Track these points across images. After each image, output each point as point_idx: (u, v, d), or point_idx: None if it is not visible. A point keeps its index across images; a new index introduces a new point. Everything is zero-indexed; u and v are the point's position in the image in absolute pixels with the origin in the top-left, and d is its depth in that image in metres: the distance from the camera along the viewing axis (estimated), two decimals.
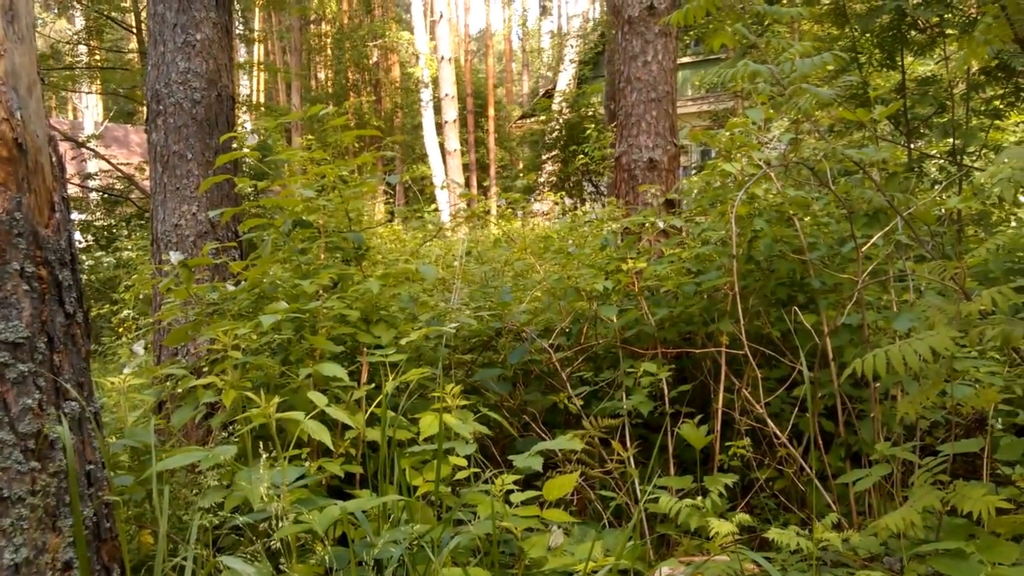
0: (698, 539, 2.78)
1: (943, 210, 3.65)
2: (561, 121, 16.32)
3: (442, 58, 21.57)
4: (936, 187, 6.42)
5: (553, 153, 16.15)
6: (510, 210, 8.53)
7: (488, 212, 8.74)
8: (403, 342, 2.57)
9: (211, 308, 2.96)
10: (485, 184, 29.61)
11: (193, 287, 2.92)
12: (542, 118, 18.20)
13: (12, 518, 1.75)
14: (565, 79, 19.60)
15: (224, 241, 4.44)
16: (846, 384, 3.33)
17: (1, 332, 1.77)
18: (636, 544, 2.39)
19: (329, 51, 34.82)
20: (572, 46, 20.17)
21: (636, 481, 2.92)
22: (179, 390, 2.77)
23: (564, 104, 17.04)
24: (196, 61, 4.53)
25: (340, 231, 3.27)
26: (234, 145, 3.19)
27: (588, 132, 12.95)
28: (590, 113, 15.85)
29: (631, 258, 3.74)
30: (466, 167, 27.38)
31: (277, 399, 2.00)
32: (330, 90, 34.97)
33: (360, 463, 2.44)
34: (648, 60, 5.84)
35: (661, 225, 3.91)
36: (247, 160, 3.46)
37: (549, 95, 20.48)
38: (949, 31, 6.84)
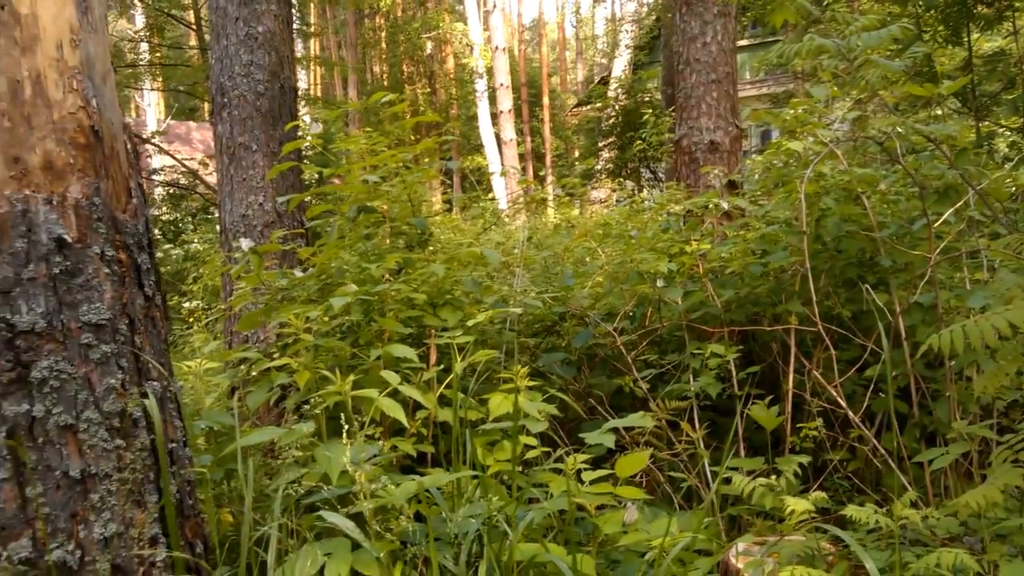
0: (770, 520, 2.75)
1: (1015, 187, 3.55)
2: (617, 107, 16.21)
3: (496, 48, 21.57)
4: (1007, 164, 6.25)
5: (610, 140, 16.06)
6: (568, 197, 8.51)
7: (545, 200, 8.73)
8: (470, 323, 2.58)
9: (281, 294, 3.01)
10: (541, 173, 29.55)
11: (263, 273, 2.97)
12: (598, 105, 18.10)
13: (100, 494, 1.80)
14: (620, 65, 19.47)
15: (290, 229, 4.50)
16: (919, 364, 3.26)
17: (84, 314, 1.82)
18: (710, 523, 2.37)
19: (384, 44, 35.04)
20: (627, 31, 20.02)
21: (706, 462, 2.90)
22: (253, 374, 2.82)
23: (620, 90, 16.93)
24: (259, 54, 4.60)
25: (403, 217, 3.29)
26: (299, 134, 3.23)
27: (645, 117, 12.85)
28: (646, 99, 15.70)
29: (695, 240, 3.70)
30: (522, 156, 27.35)
31: (352, 378, 2.04)
32: (385, 83, 35.21)
33: (431, 443, 2.46)
34: (707, 41, 5.77)
35: (725, 206, 3.86)
36: (310, 150, 3.51)
37: (604, 82, 20.37)
38: (1018, 3, 6.63)
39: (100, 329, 1.84)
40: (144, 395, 1.92)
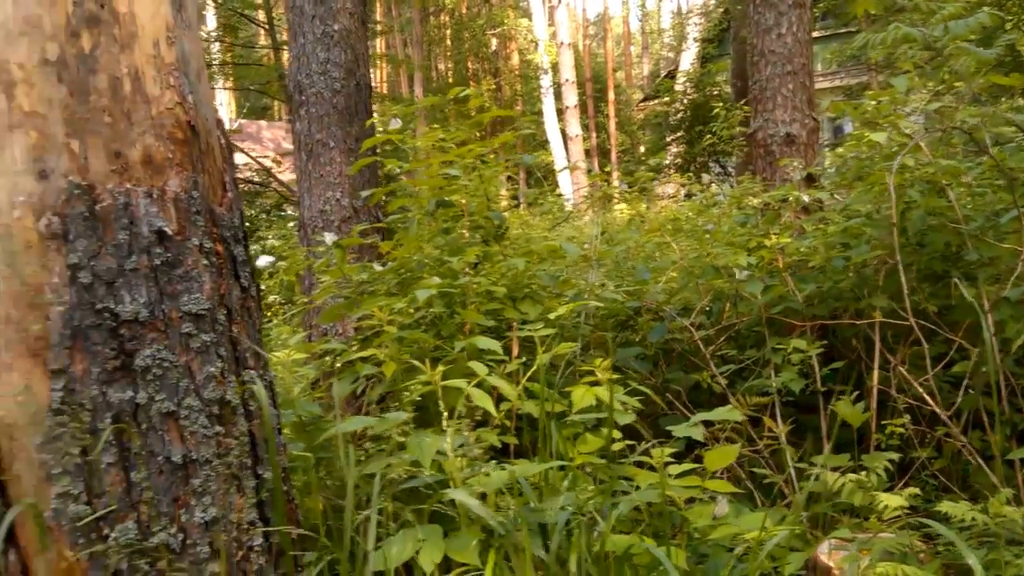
0: (856, 519, 2.70)
1: None
2: (685, 102, 16.06)
3: (561, 43, 21.57)
4: None
5: (678, 135, 15.92)
6: (635, 193, 8.46)
7: (612, 196, 8.69)
8: (552, 316, 2.59)
9: (362, 287, 3.06)
10: (607, 169, 29.43)
11: (345, 267, 3.01)
12: (666, 99, 17.96)
13: (201, 479, 1.86)
14: (688, 59, 19.29)
15: (366, 224, 4.56)
16: (1008, 361, 3.17)
17: (185, 304, 1.88)
18: (797, 519, 2.34)
19: (448, 42, 35.27)
20: (695, 24, 19.81)
21: (790, 459, 2.86)
22: (337, 365, 2.87)
23: (688, 84, 16.76)
24: (335, 51, 4.67)
25: (481, 211, 3.32)
26: (379, 129, 3.28)
27: (716, 111, 12.71)
28: (715, 92, 15.53)
29: (774, 233, 3.65)
30: (587, 152, 27.30)
31: (442, 368, 2.06)
32: (450, 80, 35.43)
33: (514, 434, 2.48)
34: (782, 32, 5.68)
35: (806, 199, 3.80)
36: (387, 146, 3.56)
37: (672, 76, 20.18)
38: None
39: (200, 319, 1.89)
40: (243, 383, 1.96)
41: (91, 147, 1.81)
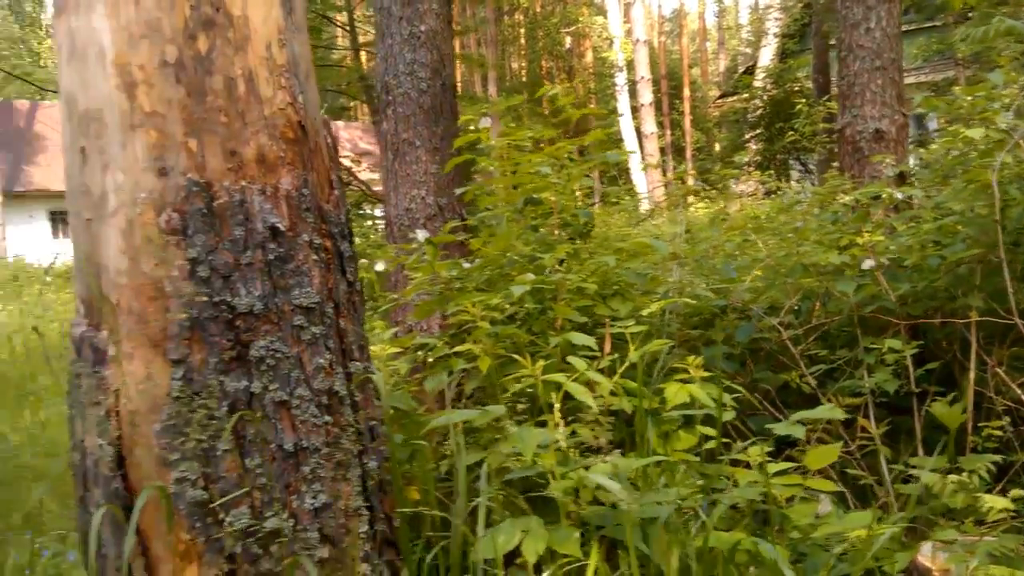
0: (954, 522, 2.65)
1: None
2: (765, 98, 15.82)
3: (637, 40, 21.43)
4: None
5: (757, 131, 15.70)
6: (713, 191, 8.38)
7: (695, 193, 8.64)
8: (644, 313, 2.60)
9: (453, 284, 3.10)
10: (681, 167, 29.18)
11: (437, 264, 3.06)
12: (744, 96, 17.71)
13: (311, 466, 1.92)
14: (767, 54, 18.98)
15: (450, 221, 4.62)
16: None
17: (296, 298, 1.94)
18: (901, 519, 2.31)
19: (522, 41, 35.34)
20: (775, 19, 19.49)
21: (885, 460, 2.82)
22: (429, 360, 2.92)
23: (768, 80, 16.50)
24: (421, 52, 4.74)
25: (569, 209, 3.34)
26: (472, 128, 3.32)
27: (798, 107, 12.49)
28: (796, 88, 15.26)
29: (866, 231, 3.59)
30: (662, 150, 27.07)
31: (542, 363, 2.09)
32: (524, 79, 35.49)
33: (607, 430, 2.49)
34: (871, 27, 5.58)
35: (900, 196, 3.73)
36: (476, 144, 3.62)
37: (750, 72, 19.90)
38: None
39: (310, 312, 1.95)
40: (349, 375, 2.02)
41: (208, 146, 1.89)
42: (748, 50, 36.18)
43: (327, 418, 1.96)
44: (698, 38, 43.18)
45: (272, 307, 1.91)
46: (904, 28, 17.09)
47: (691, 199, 9.72)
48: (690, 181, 20.17)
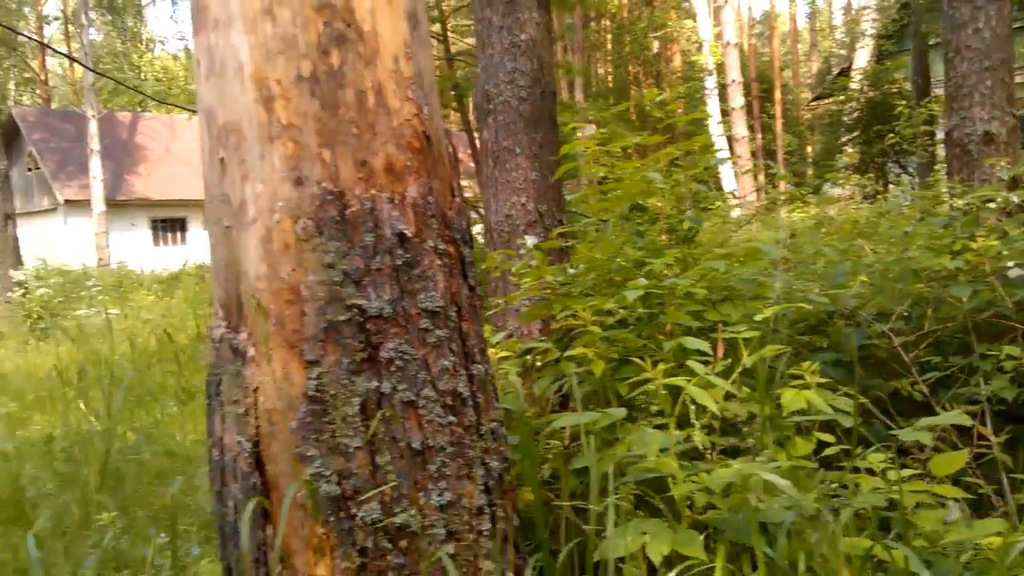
0: None
1: None
2: (862, 100, 15.46)
3: (727, 43, 21.21)
4: None
5: (854, 134, 15.35)
6: (812, 195, 8.23)
7: (790, 199, 8.49)
8: (758, 318, 2.59)
9: (560, 289, 3.15)
10: (772, 171, 28.70)
11: (544, 269, 3.11)
12: (840, 98, 17.34)
13: (436, 465, 1.98)
14: (863, 56, 18.56)
15: (551, 229, 4.67)
16: None
17: (422, 301, 2.01)
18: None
19: (609, 46, 35.29)
20: (871, 20, 19.03)
21: (1005, 469, 2.75)
22: (538, 363, 2.97)
23: (864, 82, 16.13)
24: (521, 61, 4.80)
25: (674, 214, 3.35)
26: (578, 134, 3.37)
27: (898, 109, 12.18)
28: (894, 90, 14.88)
29: (980, 236, 3.50)
30: (753, 154, 26.67)
31: (664, 366, 2.11)
32: (610, 85, 35.44)
33: (720, 435, 2.50)
34: (979, 27, 5.43)
35: (1015, 200, 3.63)
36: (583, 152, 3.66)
37: (845, 73, 19.48)
38: None
39: (435, 315, 2.02)
40: (471, 377, 2.08)
41: (340, 156, 1.97)
42: (842, 52, 35.40)
43: (451, 418, 2.02)
44: (789, 40, 42.41)
45: (400, 311, 1.98)
46: (1015, 26, 16.52)
47: (786, 203, 9.56)
48: (782, 186, 19.83)
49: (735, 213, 10.93)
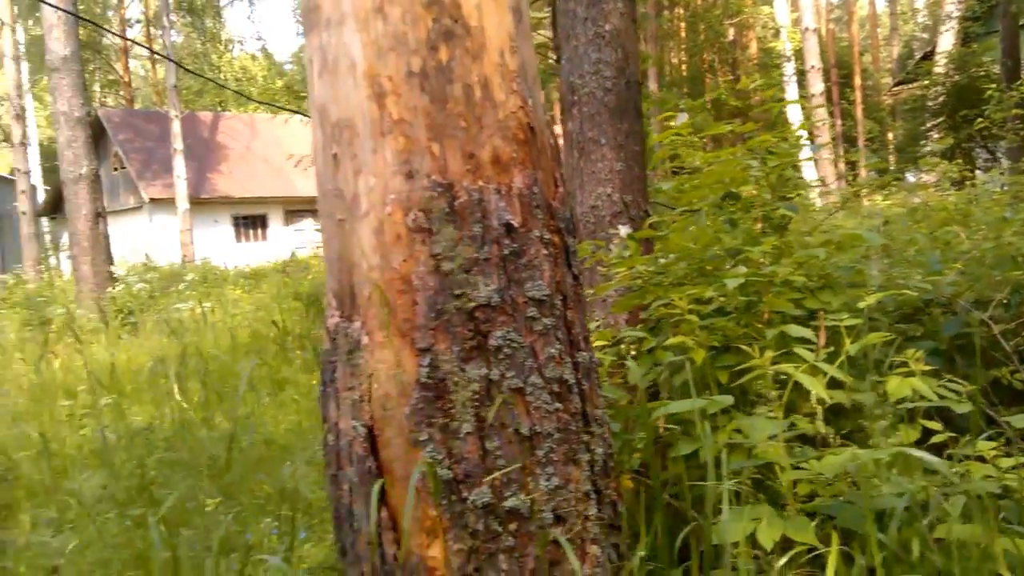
0: None
1: None
2: (947, 84, 15.01)
3: (806, 29, 20.81)
4: None
5: (940, 119, 14.92)
6: (897, 180, 8.04)
7: (881, 185, 8.31)
8: (861, 305, 2.57)
9: (654, 279, 3.16)
10: (853, 159, 28.08)
11: (637, 258, 3.13)
12: (924, 83, 16.86)
13: (544, 450, 2.02)
14: (948, 39, 17.99)
15: (636, 220, 4.67)
16: None
17: (529, 290, 2.05)
18: None
19: (682, 34, 34.89)
20: (957, 2, 18.44)
21: None
22: (632, 352, 2.99)
23: (950, 66, 15.65)
24: (606, 51, 4.81)
25: (767, 202, 3.33)
26: (671, 123, 3.37)
27: (988, 93, 11.80)
28: (982, 73, 14.41)
29: None
30: (833, 140, 26.13)
31: (771, 353, 2.12)
32: (684, 74, 35.06)
33: (823, 423, 2.48)
34: None
35: None
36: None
37: (928, 57, 18.92)
38: None
39: (541, 304, 2.06)
40: (576, 365, 2.11)
41: (448, 149, 2.02)
42: (924, 35, 34.37)
43: (558, 405, 2.06)
44: (868, 24, 41.35)
45: (507, 299, 2.02)
46: None
47: (870, 190, 9.36)
48: (863, 173, 19.40)
49: (817, 201, 10.75)
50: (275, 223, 34.02)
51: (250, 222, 33.77)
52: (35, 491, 4.58)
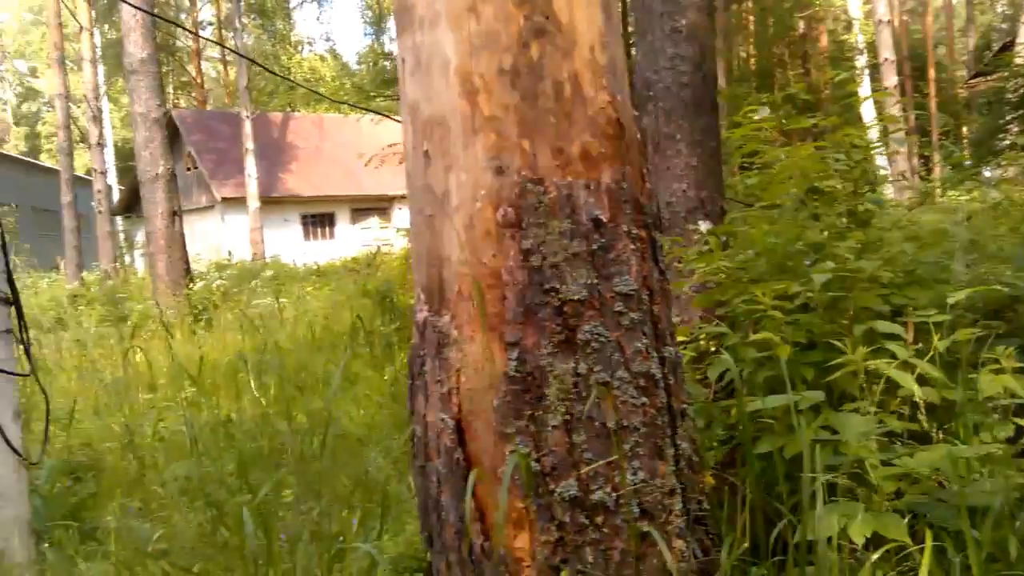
0: None
1: None
2: None
3: (879, 21, 20.31)
4: None
5: (1020, 112, 14.45)
6: (974, 175, 7.83)
7: (947, 182, 8.11)
8: (950, 301, 2.52)
9: (734, 274, 3.14)
10: (926, 152, 27.41)
11: (719, 254, 3.11)
12: (1004, 74, 16.35)
13: (630, 444, 2.03)
14: None
15: (712, 216, 4.64)
16: None
17: (616, 285, 2.06)
18: None
19: (751, 28, 34.41)
20: None
21: None
22: (711, 348, 2.98)
23: None
24: (682, 46, 4.78)
25: (850, 197, 3.28)
26: (756, 115, 3.34)
27: None
28: None
29: None
30: (907, 134, 25.50)
31: (864, 349, 2.10)
32: (752, 68, 34.59)
33: (908, 420, 2.45)
34: None
35: None
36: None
37: (1008, 48, 18.38)
38: None
39: (628, 299, 2.06)
40: (663, 359, 2.12)
41: (539, 145, 2.04)
42: (1003, 26, 33.33)
43: (644, 399, 2.07)
44: (943, 15, 40.29)
45: (595, 294, 2.04)
46: None
47: (948, 185, 9.14)
48: (936, 170, 18.93)
49: (891, 195, 10.52)
50: (342, 222, 34.52)
51: (318, 220, 34.31)
52: (120, 481, 4.72)
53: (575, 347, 2.02)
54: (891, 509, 2.05)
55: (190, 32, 35.19)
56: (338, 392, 6.34)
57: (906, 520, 2.01)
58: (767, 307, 2.64)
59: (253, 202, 27.89)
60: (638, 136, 2.25)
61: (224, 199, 31.75)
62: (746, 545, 2.16)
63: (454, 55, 2.05)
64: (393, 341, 7.61)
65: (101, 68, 32.75)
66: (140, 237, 30.52)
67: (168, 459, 4.81)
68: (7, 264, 3.74)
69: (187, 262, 14.24)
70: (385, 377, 6.36)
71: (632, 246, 2.10)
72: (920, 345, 2.46)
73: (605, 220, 2.06)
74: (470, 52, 2.04)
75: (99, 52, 31.83)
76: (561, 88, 2.06)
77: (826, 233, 2.95)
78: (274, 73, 29.34)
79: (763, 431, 2.53)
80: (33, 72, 66.44)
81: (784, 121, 3.34)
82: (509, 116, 2.03)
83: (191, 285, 13.88)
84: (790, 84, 27.91)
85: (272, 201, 31.80)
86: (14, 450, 3.61)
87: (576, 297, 2.02)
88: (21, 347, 3.89)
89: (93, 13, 23.80)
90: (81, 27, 21.98)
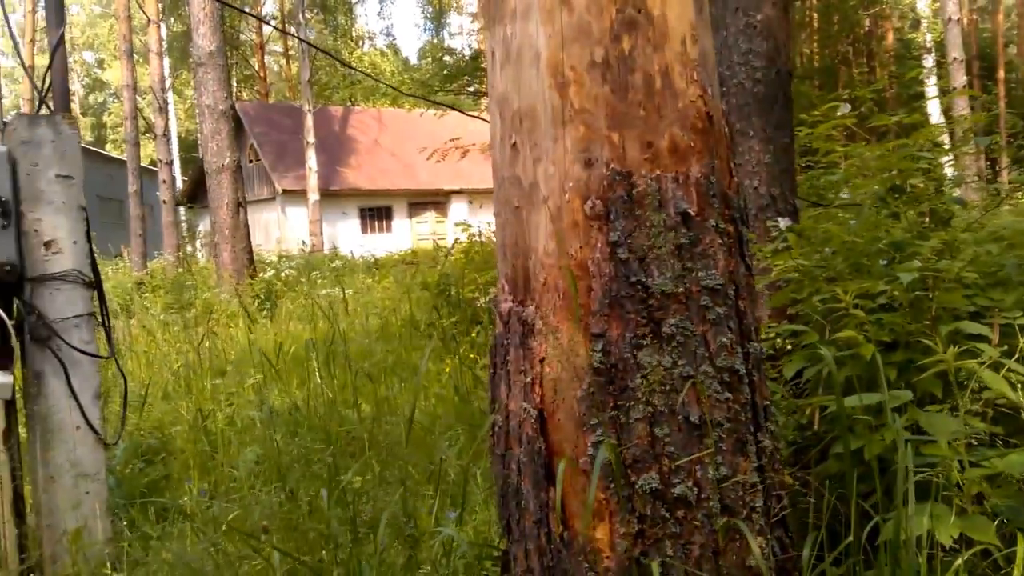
0: None
1: None
2: None
3: (948, 19, 19.89)
4: None
5: None
6: None
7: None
8: None
9: (811, 272, 3.10)
10: (994, 155, 26.73)
11: (796, 251, 3.08)
12: None
13: (713, 439, 2.03)
14: None
15: (784, 213, 4.59)
16: None
17: (703, 279, 2.05)
18: None
19: (815, 25, 33.90)
20: None
21: None
22: (788, 346, 2.95)
23: None
24: (756, 41, 4.73)
25: (935, 197, 3.23)
26: (840, 109, 3.29)
27: None
28: None
29: None
30: (975, 135, 24.93)
31: (955, 349, 2.07)
32: (815, 65, 34.06)
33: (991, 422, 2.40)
34: None
35: None
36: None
37: None
38: None
39: (714, 293, 2.06)
40: (747, 355, 2.11)
41: (628, 138, 2.05)
42: None
43: (728, 395, 2.06)
44: (1014, 14, 39.23)
45: (681, 288, 2.03)
46: None
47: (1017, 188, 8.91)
48: (1004, 175, 18.45)
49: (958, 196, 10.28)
50: (399, 215, 34.80)
51: (375, 214, 34.64)
52: (190, 464, 4.84)
53: (660, 340, 2.02)
54: (977, 512, 2.02)
55: (263, 21, 35.73)
56: (419, 381, 6.39)
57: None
58: (848, 306, 2.61)
59: (313, 195, 28.26)
60: (726, 130, 2.24)
61: (285, 191, 32.22)
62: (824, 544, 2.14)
63: (545, 47, 2.06)
64: (453, 334, 7.66)
65: (167, 61, 33.40)
66: (202, 227, 31.10)
67: (240, 444, 4.90)
68: (91, 249, 3.85)
69: (251, 252, 14.49)
70: (447, 369, 6.41)
71: (719, 240, 2.09)
72: (1005, 347, 2.41)
73: (693, 214, 2.06)
74: (561, 44, 2.05)
75: (165, 45, 32.50)
76: (652, 81, 2.06)
77: (911, 232, 2.91)
78: (347, 64, 29.67)
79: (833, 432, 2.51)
80: (100, 63, 68.20)
81: (869, 117, 3.29)
82: (599, 109, 2.04)
83: (254, 275, 14.12)
84: (854, 82, 27.47)
85: (331, 194, 32.18)
86: (94, 430, 3.72)
87: (662, 290, 2.02)
88: (101, 329, 4.00)
89: (160, 6, 24.30)
90: (149, 20, 22.45)
